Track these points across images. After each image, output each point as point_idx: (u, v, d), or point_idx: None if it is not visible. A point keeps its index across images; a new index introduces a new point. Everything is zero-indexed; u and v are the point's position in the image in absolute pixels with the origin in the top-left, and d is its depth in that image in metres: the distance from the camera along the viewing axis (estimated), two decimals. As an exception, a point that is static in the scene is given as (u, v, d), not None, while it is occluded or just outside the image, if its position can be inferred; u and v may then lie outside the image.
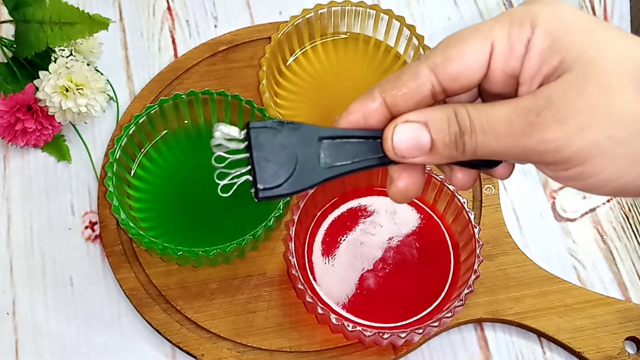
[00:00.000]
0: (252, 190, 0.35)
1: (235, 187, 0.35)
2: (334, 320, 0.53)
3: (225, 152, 0.36)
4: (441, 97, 0.34)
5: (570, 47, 0.31)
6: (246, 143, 0.35)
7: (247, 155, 0.35)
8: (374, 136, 0.35)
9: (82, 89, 0.61)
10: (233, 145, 0.35)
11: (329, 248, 0.59)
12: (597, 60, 0.30)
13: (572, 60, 0.30)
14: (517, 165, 0.68)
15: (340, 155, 0.35)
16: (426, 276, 0.58)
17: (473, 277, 0.54)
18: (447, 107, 0.33)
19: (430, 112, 0.33)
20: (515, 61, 0.32)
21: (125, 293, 0.59)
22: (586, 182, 0.32)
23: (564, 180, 0.33)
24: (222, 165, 0.35)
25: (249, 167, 0.35)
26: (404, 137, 0.33)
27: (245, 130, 0.35)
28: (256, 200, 0.35)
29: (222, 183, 0.36)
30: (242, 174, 0.35)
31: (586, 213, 0.65)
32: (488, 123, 0.32)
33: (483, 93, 0.37)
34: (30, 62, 0.66)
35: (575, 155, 0.31)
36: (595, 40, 0.31)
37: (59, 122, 0.64)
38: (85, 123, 0.67)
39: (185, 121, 0.64)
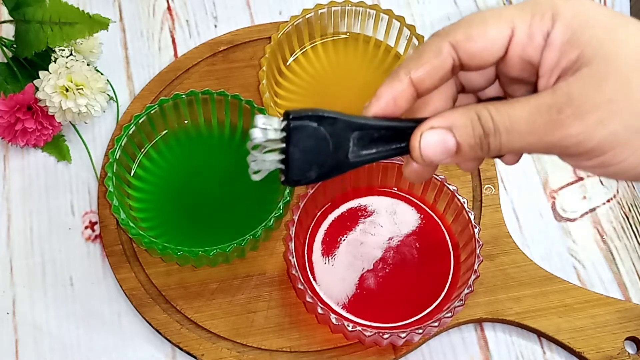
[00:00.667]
0: (282, 177, 0.37)
1: (267, 173, 0.36)
2: (334, 320, 0.53)
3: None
4: (457, 72, 0.35)
5: (589, 43, 0.32)
6: (284, 134, 0.36)
7: (283, 145, 0.36)
8: (401, 127, 0.35)
9: (82, 89, 0.61)
10: (271, 135, 0.35)
11: (329, 248, 0.59)
12: (614, 56, 0.31)
13: (591, 55, 0.31)
14: (517, 166, 0.67)
15: (366, 144, 0.36)
16: (426, 276, 0.58)
17: (473, 277, 0.54)
18: (470, 110, 0.34)
19: (454, 117, 0.34)
20: (534, 50, 0.33)
21: (125, 293, 0.59)
22: (608, 170, 0.33)
23: (586, 169, 0.34)
24: (258, 152, 0.36)
25: (283, 156, 0.36)
26: (431, 144, 0.34)
27: (285, 123, 0.35)
28: (282, 184, 0.38)
29: (254, 168, 0.37)
30: (275, 162, 0.36)
31: (586, 213, 0.65)
32: (511, 123, 0.33)
33: (501, 77, 0.37)
34: (30, 62, 0.66)
35: (596, 147, 0.32)
36: (614, 36, 0.32)
37: (59, 122, 0.64)
38: (85, 123, 0.67)
39: (185, 121, 0.64)
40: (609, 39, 0.32)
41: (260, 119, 0.36)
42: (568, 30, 0.32)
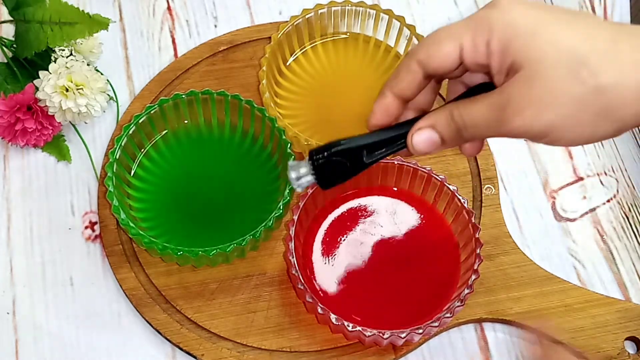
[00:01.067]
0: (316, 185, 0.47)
1: (306, 184, 0.47)
2: (334, 320, 0.53)
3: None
4: (430, 78, 0.44)
5: (518, 51, 0.39)
6: (312, 167, 0.46)
7: (312, 170, 0.46)
8: (399, 133, 0.45)
9: (82, 89, 0.61)
10: (302, 172, 0.46)
11: (329, 248, 0.59)
12: (538, 60, 0.38)
13: (521, 61, 0.39)
14: (517, 166, 0.68)
15: (376, 149, 0.45)
16: (426, 276, 0.58)
17: (473, 277, 0.54)
18: (445, 110, 0.42)
19: (435, 118, 0.43)
20: (481, 58, 0.40)
21: (125, 293, 0.59)
22: (558, 143, 0.41)
23: (544, 144, 0.41)
24: (294, 179, 0.47)
25: (314, 177, 0.46)
26: (421, 141, 0.43)
27: (311, 162, 0.46)
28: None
29: (296, 184, 0.47)
30: (309, 182, 0.47)
31: (586, 213, 0.65)
32: (473, 120, 0.41)
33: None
34: (31, 62, 0.66)
35: (539, 133, 0.39)
36: (537, 41, 0.38)
37: (59, 122, 0.64)
38: (85, 123, 0.67)
39: (185, 121, 0.64)
40: (533, 45, 0.38)
41: (292, 165, 0.47)
42: (502, 41, 0.39)
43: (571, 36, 0.38)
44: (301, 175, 0.46)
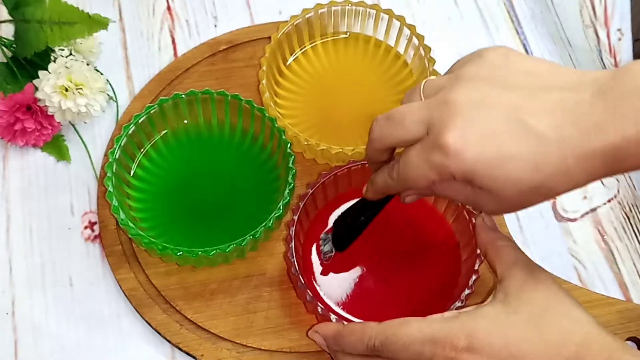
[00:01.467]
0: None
1: (332, 255, 0.58)
2: (334, 321, 0.53)
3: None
4: None
5: (481, 184, 0.43)
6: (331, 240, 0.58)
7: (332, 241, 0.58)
8: (381, 204, 0.55)
9: (81, 88, 0.61)
10: (327, 248, 0.58)
11: (329, 248, 0.59)
12: (502, 188, 0.43)
13: (487, 188, 0.43)
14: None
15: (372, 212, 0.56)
16: (426, 276, 0.58)
17: (474, 277, 0.54)
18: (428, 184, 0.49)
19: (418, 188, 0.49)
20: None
21: (124, 293, 0.59)
22: None
23: None
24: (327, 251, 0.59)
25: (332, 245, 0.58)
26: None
27: (331, 240, 0.58)
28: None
29: (324, 250, 0.58)
30: (331, 248, 0.58)
31: (587, 213, 0.65)
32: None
33: None
34: (30, 61, 0.65)
35: None
36: (497, 178, 0.43)
37: (59, 122, 0.64)
38: (85, 123, 0.67)
39: (185, 121, 0.64)
40: (494, 183, 0.43)
41: (323, 249, 0.58)
42: (465, 179, 0.44)
43: (524, 171, 0.42)
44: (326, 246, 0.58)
